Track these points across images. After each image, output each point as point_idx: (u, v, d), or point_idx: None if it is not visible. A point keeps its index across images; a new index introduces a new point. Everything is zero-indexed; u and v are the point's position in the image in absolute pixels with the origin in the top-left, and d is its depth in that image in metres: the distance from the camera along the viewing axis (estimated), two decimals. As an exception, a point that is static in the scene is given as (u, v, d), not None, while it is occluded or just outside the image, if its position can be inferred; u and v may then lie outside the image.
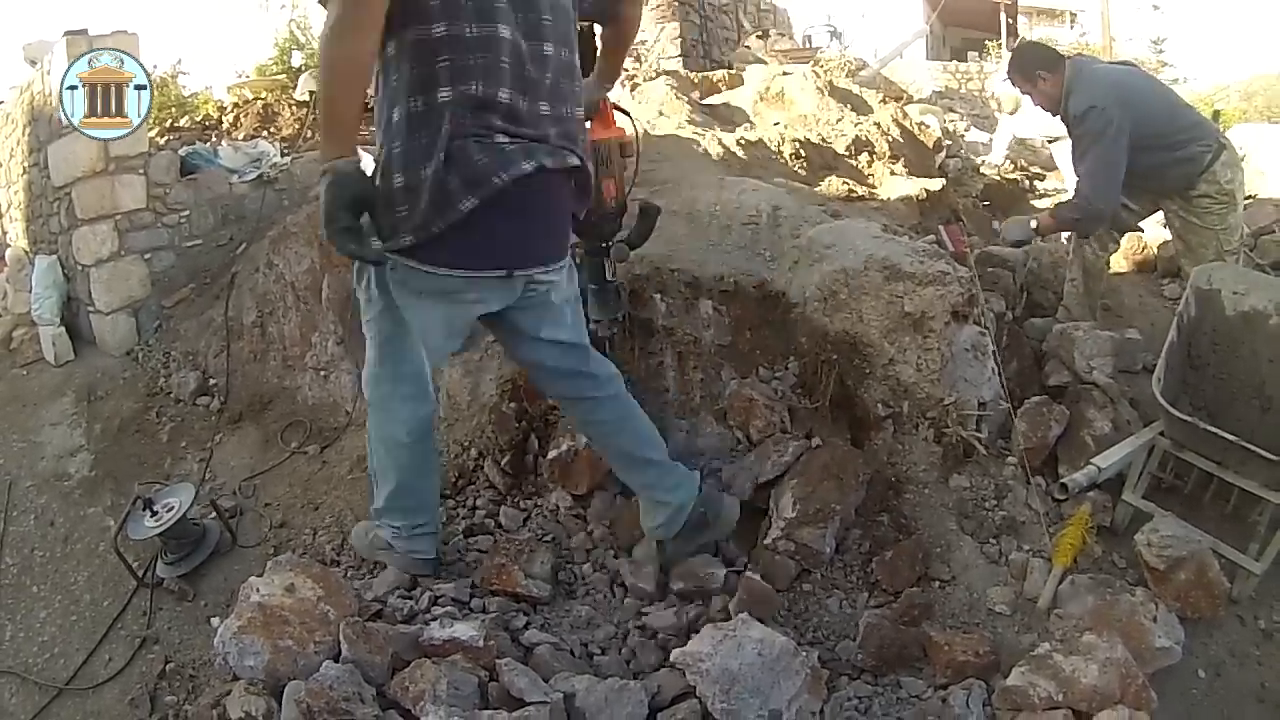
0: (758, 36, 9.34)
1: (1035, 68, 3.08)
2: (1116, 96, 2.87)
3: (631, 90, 5.29)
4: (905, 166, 4.63)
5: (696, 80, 6.15)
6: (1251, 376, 2.48)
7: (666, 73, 5.72)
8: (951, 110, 8.75)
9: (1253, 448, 1.99)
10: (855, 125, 4.78)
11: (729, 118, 4.96)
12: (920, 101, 7.69)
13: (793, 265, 2.80)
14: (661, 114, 4.63)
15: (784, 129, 4.59)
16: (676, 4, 8.87)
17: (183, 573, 2.50)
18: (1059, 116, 3.11)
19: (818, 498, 2.27)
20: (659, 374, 3.04)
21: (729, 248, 3.07)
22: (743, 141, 4.07)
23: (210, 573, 2.54)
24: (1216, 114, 8.71)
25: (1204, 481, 2.26)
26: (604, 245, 2.33)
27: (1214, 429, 2.07)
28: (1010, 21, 16.31)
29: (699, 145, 3.99)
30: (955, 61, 14.16)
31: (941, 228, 3.90)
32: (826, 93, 5.17)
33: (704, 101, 5.36)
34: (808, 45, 10.05)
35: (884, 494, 2.41)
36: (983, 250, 3.46)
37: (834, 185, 4.04)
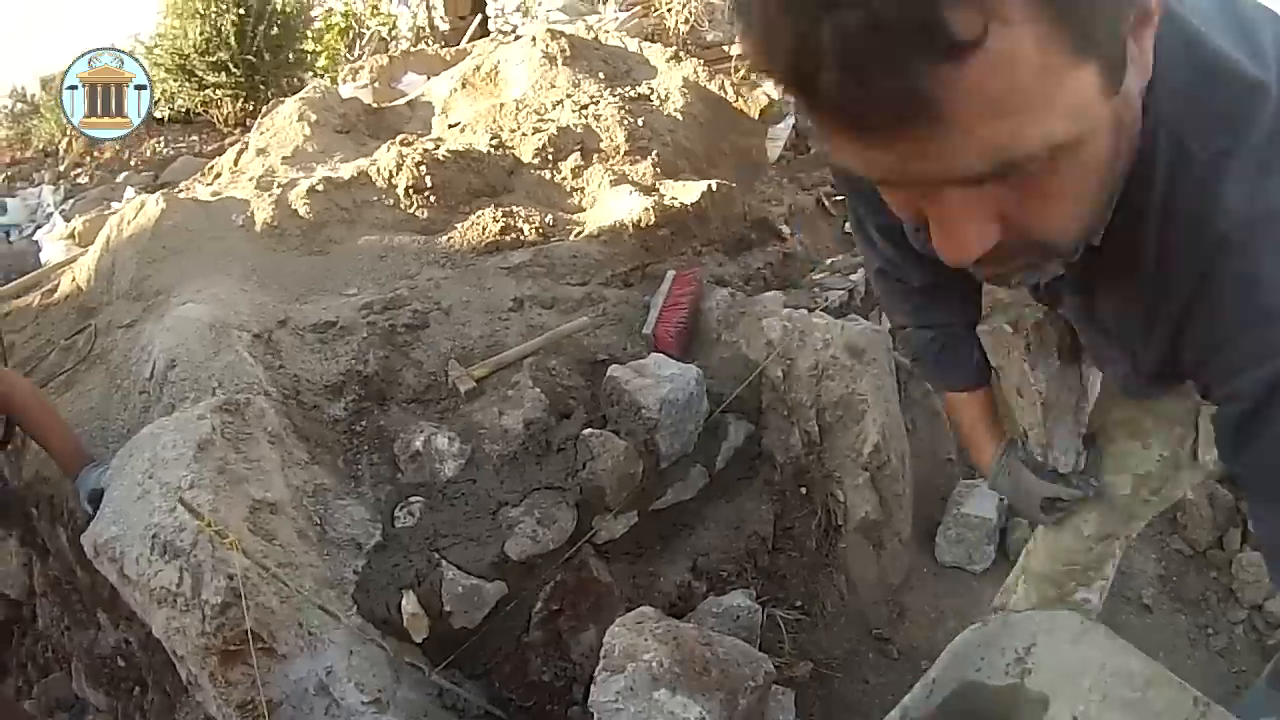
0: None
1: None
2: None
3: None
4: (659, 162, 2.90)
5: (444, 52, 4.50)
6: None
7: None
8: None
9: None
10: (579, 110, 3.04)
11: (397, 125, 3.26)
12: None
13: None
14: (261, 153, 2.96)
15: (445, 135, 2.89)
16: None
17: None
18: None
19: None
20: None
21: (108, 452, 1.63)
22: (321, 187, 2.38)
23: None
24: None
25: None
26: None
27: None
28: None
29: (245, 211, 2.33)
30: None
31: (671, 275, 2.34)
32: (560, 61, 3.42)
33: (389, 105, 3.66)
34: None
35: None
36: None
37: (480, 225, 2.37)
